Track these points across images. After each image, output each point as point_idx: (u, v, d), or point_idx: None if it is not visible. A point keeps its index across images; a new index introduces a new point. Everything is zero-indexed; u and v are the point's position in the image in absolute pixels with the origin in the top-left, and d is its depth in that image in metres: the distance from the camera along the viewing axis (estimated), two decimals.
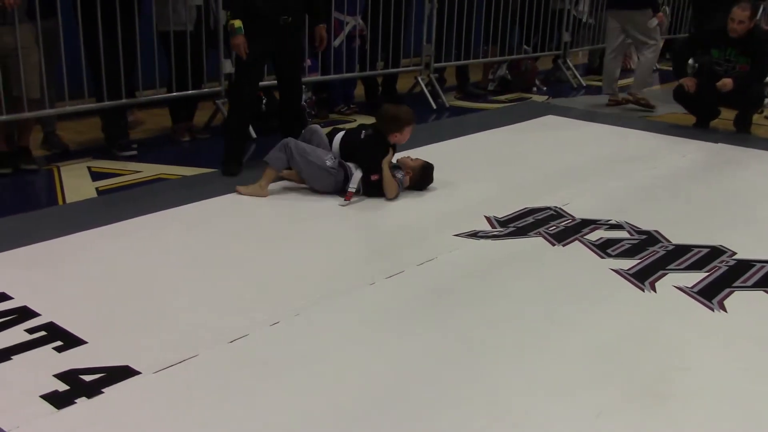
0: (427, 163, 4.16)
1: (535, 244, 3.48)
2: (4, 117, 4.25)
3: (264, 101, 5.32)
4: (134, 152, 4.75)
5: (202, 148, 5.09)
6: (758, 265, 3.29)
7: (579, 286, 3.07)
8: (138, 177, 4.38)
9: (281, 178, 4.17)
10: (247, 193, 4.01)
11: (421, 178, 4.12)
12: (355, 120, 5.98)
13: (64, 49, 4.46)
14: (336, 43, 5.94)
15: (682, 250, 3.43)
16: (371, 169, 3.97)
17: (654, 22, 6.56)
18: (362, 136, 4.11)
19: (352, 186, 3.94)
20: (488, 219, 3.76)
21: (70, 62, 4.53)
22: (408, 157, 4.18)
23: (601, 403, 2.26)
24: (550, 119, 6.15)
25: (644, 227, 3.68)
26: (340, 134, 4.15)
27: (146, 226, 3.56)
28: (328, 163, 4.03)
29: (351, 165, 4.03)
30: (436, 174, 4.19)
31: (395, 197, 3.99)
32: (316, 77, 5.91)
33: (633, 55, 8.89)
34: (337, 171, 4.02)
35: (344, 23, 5.97)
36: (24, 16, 4.18)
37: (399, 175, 4.04)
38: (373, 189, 3.98)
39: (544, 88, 7.49)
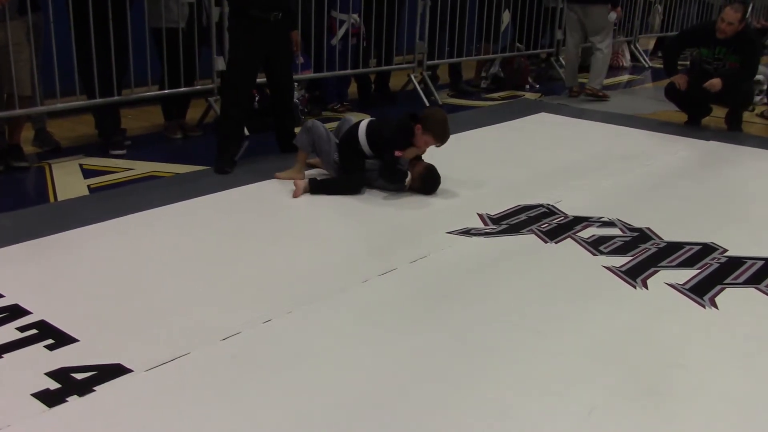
0: (427, 170, 4.08)
1: (527, 241, 3.48)
2: None
3: (257, 99, 5.31)
4: (124, 151, 4.73)
5: (195, 146, 5.08)
6: (749, 262, 3.31)
7: (571, 284, 3.07)
8: (130, 174, 4.36)
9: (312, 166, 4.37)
10: (285, 177, 4.16)
11: (423, 185, 4.06)
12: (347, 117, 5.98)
13: (56, 46, 4.44)
14: (334, 41, 5.94)
15: (673, 247, 3.45)
16: (397, 143, 3.97)
17: (613, 16, 6.64)
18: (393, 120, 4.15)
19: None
20: (481, 216, 3.76)
21: (61, 59, 4.51)
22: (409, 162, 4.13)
23: (594, 400, 2.26)
24: (542, 117, 6.16)
25: (636, 224, 3.70)
26: (366, 121, 4.15)
27: (138, 223, 3.55)
28: (336, 156, 4.14)
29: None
30: None
31: (406, 186, 4.04)
32: (310, 75, 5.90)
33: (626, 52, 8.95)
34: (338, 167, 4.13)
35: (340, 22, 5.96)
36: (15, 12, 4.16)
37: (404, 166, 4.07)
38: (389, 170, 3.98)
39: (537, 86, 7.50)
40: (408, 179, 4.03)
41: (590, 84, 6.79)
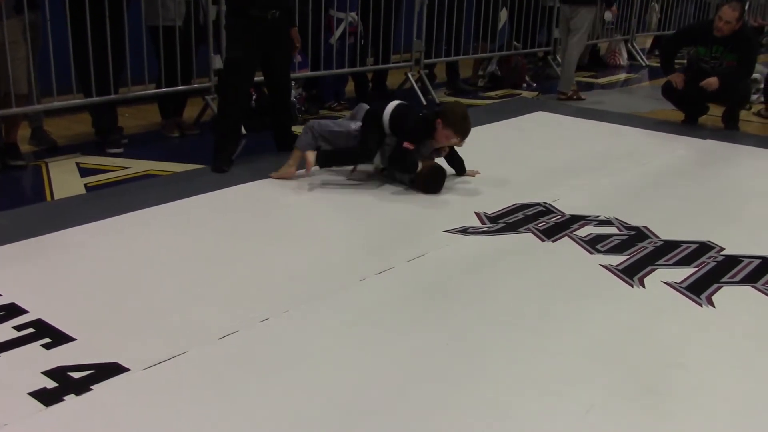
0: (433, 170, 4.07)
1: (524, 240, 3.49)
2: None
3: (254, 98, 5.30)
4: (121, 149, 4.73)
5: (192, 145, 5.07)
6: (746, 260, 3.31)
7: (568, 282, 3.07)
8: (127, 173, 4.36)
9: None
10: (278, 176, 4.18)
11: (425, 184, 4.06)
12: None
13: (52, 45, 4.44)
14: (332, 40, 5.94)
15: (670, 245, 3.45)
16: (411, 135, 4.00)
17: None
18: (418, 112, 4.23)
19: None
20: (478, 215, 3.76)
21: (58, 57, 4.50)
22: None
23: (591, 399, 2.27)
24: (539, 115, 6.16)
25: (633, 223, 3.70)
26: (395, 103, 4.18)
27: (135, 222, 3.55)
28: (353, 126, 4.17)
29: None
30: None
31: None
32: (307, 73, 5.90)
33: (623, 51, 8.96)
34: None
35: (339, 20, 5.96)
36: (11, 10, 4.15)
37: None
38: (397, 158, 4.03)
39: (534, 85, 7.50)
40: (419, 168, 4.03)
41: (560, 88, 6.81)
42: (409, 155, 4.01)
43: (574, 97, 6.74)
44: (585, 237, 3.52)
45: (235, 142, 4.56)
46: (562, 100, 6.72)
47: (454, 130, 4.01)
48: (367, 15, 6.18)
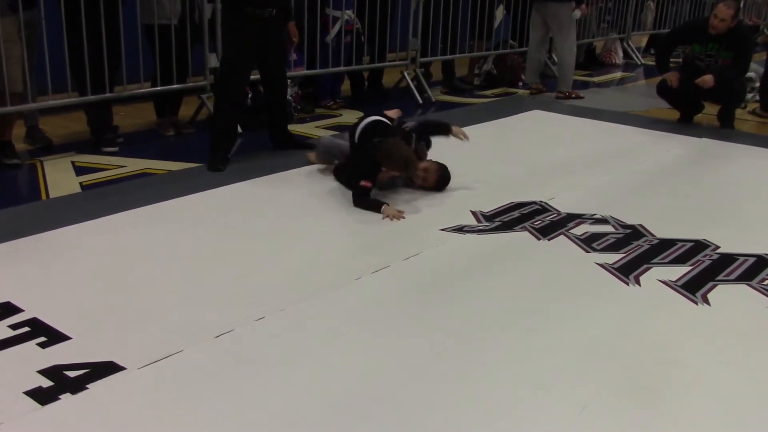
0: (441, 172, 4.07)
1: (520, 238, 3.49)
2: None
3: (250, 96, 5.30)
4: (116, 148, 4.72)
5: (187, 143, 5.07)
6: (741, 258, 3.32)
7: (564, 281, 3.08)
8: (122, 172, 4.35)
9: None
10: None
11: (436, 185, 4.05)
12: (341, 115, 5.98)
13: (47, 43, 4.43)
14: (328, 39, 5.93)
15: (666, 244, 3.46)
16: (364, 174, 3.81)
17: (577, 13, 6.69)
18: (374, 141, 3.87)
19: None
20: (474, 213, 3.77)
21: (53, 56, 4.49)
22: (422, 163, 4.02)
23: (586, 398, 2.27)
24: (535, 114, 6.17)
25: (629, 221, 3.71)
26: (369, 119, 4.05)
27: (131, 221, 3.54)
28: (344, 144, 4.28)
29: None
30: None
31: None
32: (303, 72, 5.89)
33: (618, 50, 8.97)
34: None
35: (335, 19, 5.96)
36: (6, 8, 4.14)
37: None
38: (360, 198, 3.81)
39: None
40: (384, 208, 3.68)
41: (559, 88, 6.85)
42: (366, 194, 3.79)
43: (573, 96, 6.75)
44: (581, 235, 3.52)
45: (231, 140, 4.55)
46: (561, 99, 6.73)
47: (398, 170, 3.82)
48: (362, 13, 6.17)
